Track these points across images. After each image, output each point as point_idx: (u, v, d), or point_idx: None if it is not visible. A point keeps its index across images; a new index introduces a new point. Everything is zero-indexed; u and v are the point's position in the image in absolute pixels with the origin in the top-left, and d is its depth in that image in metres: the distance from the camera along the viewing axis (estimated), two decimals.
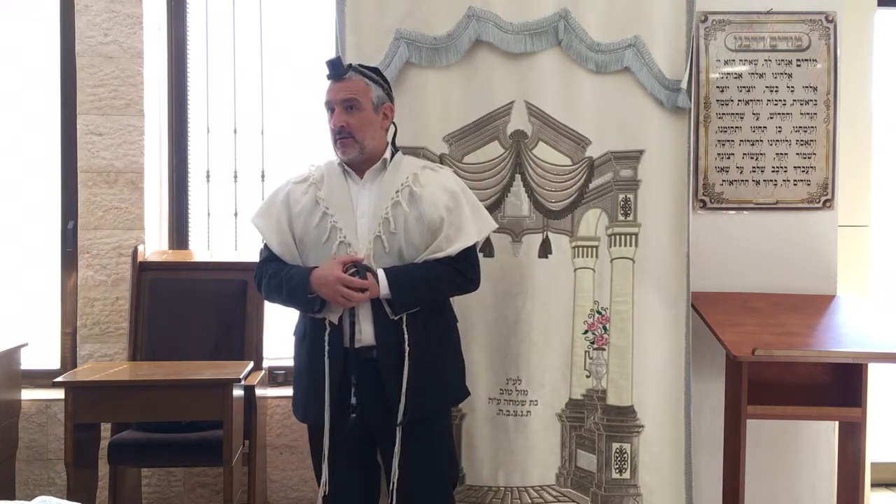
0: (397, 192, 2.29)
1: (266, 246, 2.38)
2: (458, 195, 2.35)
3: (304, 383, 2.36)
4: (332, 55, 2.37)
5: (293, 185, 2.36)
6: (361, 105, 2.28)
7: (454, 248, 2.29)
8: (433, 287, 2.29)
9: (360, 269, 2.21)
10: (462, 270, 2.33)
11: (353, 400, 2.25)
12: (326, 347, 2.25)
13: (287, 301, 2.32)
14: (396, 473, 2.29)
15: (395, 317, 2.25)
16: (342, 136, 2.27)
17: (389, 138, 2.40)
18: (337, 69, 2.27)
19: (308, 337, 2.33)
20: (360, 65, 2.37)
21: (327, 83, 2.32)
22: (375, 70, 2.41)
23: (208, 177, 3.66)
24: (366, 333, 2.27)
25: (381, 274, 2.23)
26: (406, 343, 2.24)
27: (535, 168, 2.78)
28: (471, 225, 2.34)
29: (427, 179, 2.34)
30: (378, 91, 2.32)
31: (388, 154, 2.35)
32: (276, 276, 2.30)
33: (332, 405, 2.26)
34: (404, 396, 2.24)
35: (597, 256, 2.82)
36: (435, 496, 2.37)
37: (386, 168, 2.34)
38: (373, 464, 2.42)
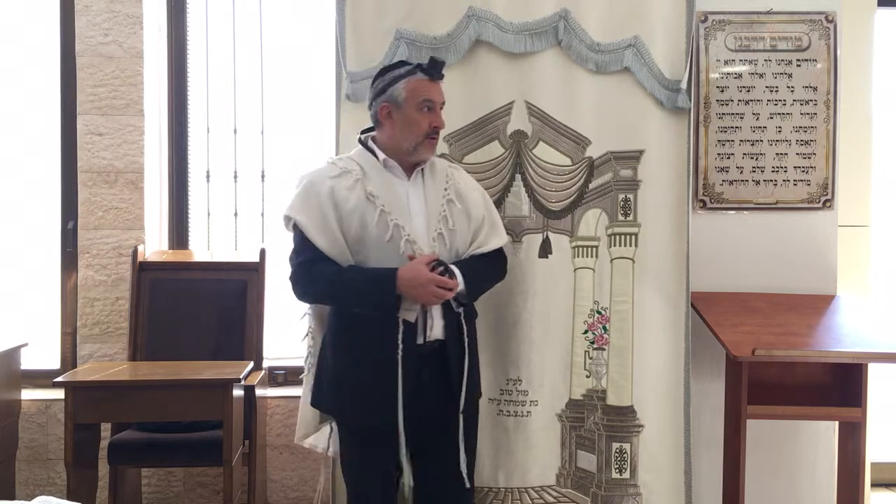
0: (446, 189, 2.36)
1: (303, 243, 2.28)
2: (484, 192, 2.52)
3: (361, 383, 2.27)
4: (436, 56, 2.41)
5: (333, 181, 2.30)
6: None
7: (496, 243, 2.43)
8: (487, 280, 2.44)
9: (446, 268, 2.25)
10: (501, 262, 2.48)
11: (427, 393, 2.29)
12: (400, 346, 2.23)
13: (354, 303, 2.27)
14: (465, 460, 2.33)
15: (458, 309, 2.31)
16: (434, 136, 2.33)
17: None
18: (440, 70, 2.33)
19: (368, 336, 2.26)
20: None
21: (419, 80, 2.30)
22: None
23: (208, 177, 3.66)
24: (437, 328, 2.29)
25: (456, 270, 2.28)
26: (465, 334, 2.33)
27: (535, 168, 2.78)
28: (500, 221, 2.50)
29: (459, 177, 2.44)
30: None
31: None
32: (339, 277, 2.24)
33: (394, 403, 2.24)
34: (465, 385, 2.31)
35: (597, 256, 2.82)
36: (461, 489, 2.39)
37: (423, 167, 2.37)
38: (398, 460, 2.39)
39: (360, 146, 2.39)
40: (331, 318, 2.37)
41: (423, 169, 2.36)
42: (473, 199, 2.41)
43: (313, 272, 2.26)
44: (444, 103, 2.35)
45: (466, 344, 2.32)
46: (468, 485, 2.34)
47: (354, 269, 2.26)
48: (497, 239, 2.43)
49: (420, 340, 2.27)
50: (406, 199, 2.31)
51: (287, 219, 2.31)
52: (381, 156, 2.33)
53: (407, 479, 2.30)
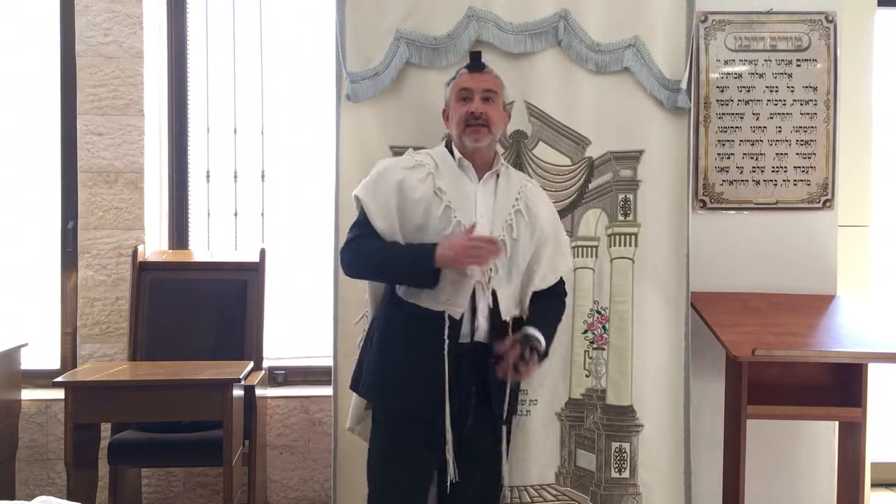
0: (517, 199, 2.38)
1: (363, 222, 2.33)
2: (554, 214, 2.51)
3: (405, 375, 2.30)
4: (475, 49, 2.49)
5: (406, 172, 2.34)
6: (497, 98, 2.37)
7: (563, 266, 2.48)
8: (558, 323, 2.47)
9: (530, 342, 2.25)
10: (564, 295, 2.52)
11: (473, 393, 2.30)
12: (446, 341, 2.25)
13: (395, 272, 2.29)
14: (508, 468, 2.39)
15: (508, 319, 2.32)
16: (478, 123, 2.31)
17: None
18: (479, 61, 2.40)
19: (419, 329, 2.28)
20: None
21: (461, 74, 2.38)
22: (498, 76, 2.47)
23: (208, 177, 3.66)
24: (482, 331, 2.31)
25: (540, 336, 2.29)
26: None
27: (534, 168, 2.78)
28: (567, 242, 2.53)
29: (532, 193, 2.44)
30: (505, 92, 2.45)
31: (501, 160, 2.42)
32: (384, 247, 2.28)
33: (435, 398, 2.26)
34: (509, 394, 2.33)
35: (596, 256, 2.82)
36: (491, 497, 2.43)
37: (499, 174, 2.39)
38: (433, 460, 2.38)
39: (442, 144, 2.43)
40: (382, 309, 2.40)
41: (498, 176, 2.39)
42: (540, 216, 2.41)
43: (361, 244, 2.31)
44: (487, 92, 2.33)
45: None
46: (504, 483, 2.41)
47: (398, 244, 2.30)
48: (564, 261, 2.47)
49: (466, 340, 2.29)
50: (474, 201, 2.34)
51: (356, 198, 2.37)
52: (458, 155, 2.37)
53: (452, 473, 2.29)
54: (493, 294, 2.30)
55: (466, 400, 2.29)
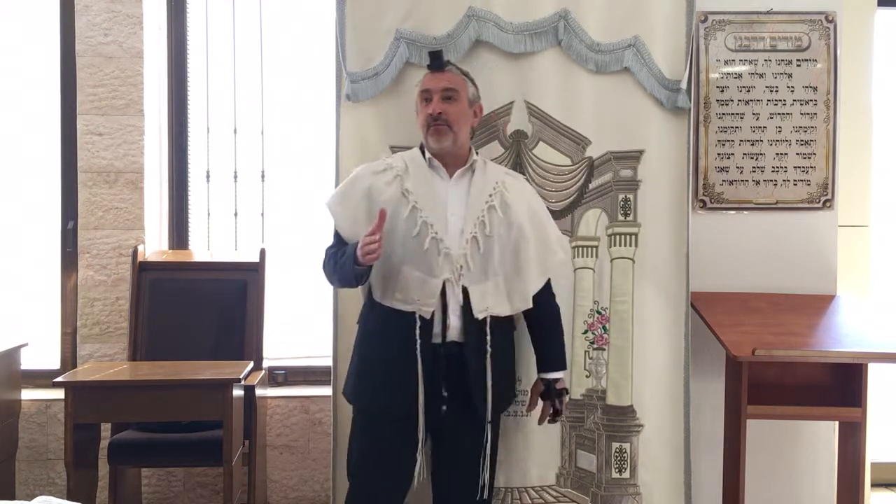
0: (490, 195, 2.35)
1: (336, 233, 2.38)
2: (538, 207, 2.48)
3: (381, 374, 2.32)
4: (433, 47, 2.47)
5: (374, 176, 2.36)
6: (459, 96, 2.35)
7: (554, 264, 2.48)
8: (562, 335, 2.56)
9: (556, 394, 2.45)
10: (553, 299, 2.53)
11: (445, 393, 2.29)
12: (418, 341, 2.25)
13: (342, 275, 2.28)
14: (489, 470, 2.35)
15: (479, 316, 2.30)
16: (438, 123, 2.31)
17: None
18: (439, 60, 2.37)
19: (392, 329, 2.30)
20: (454, 64, 2.46)
21: (424, 74, 2.40)
22: (466, 72, 2.47)
23: (208, 177, 3.66)
24: (454, 329, 2.30)
25: (560, 375, 2.47)
26: (489, 344, 2.30)
27: (535, 168, 2.78)
28: (554, 234, 2.49)
29: (513, 188, 2.42)
30: (472, 88, 2.42)
31: (475, 156, 2.41)
32: (334, 256, 2.32)
33: (415, 396, 2.27)
34: (491, 393, 2.30)
35: (597, 256, 2.82)
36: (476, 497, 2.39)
37: (474, 170, 2.37)
38: (413, 458, 2.36)
39: (418, 146, 2.44)
40: (361, 313, 2.43)
41: (474, 172, 2.37)
42: (518, 211, 2.37)
43: (328, 257, 2.36)
44: (448, 91, 2.33)
45: (489, 353, 2.30)
46: (485, 496, 2.36)
47: (342, 250, 2.30)
48: (553, 258, 2.46)
49: (437, 340, 2.28)
50: (444, 199, 2.33)
51: (327, 207, 2.40)
52: (428, 155, 2.37)
53: (423, 473, 2.30)
54: (465, 292, 2.29)
55: (444, 400, 2.29)
